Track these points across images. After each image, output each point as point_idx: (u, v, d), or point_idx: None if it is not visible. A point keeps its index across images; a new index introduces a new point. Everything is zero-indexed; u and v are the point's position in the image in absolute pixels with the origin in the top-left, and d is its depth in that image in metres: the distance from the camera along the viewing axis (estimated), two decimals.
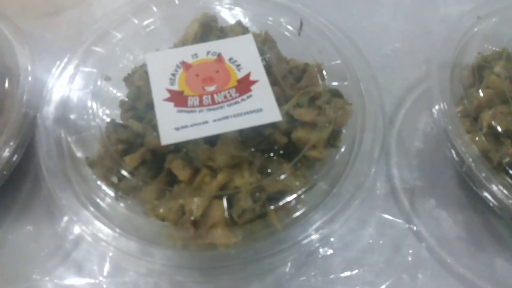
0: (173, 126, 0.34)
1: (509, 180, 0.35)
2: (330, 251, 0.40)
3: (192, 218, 0.33)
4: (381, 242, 0.41)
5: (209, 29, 0.44)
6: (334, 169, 0.39)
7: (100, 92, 0.41)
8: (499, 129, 0.36)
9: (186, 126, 0.34)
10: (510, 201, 0.33)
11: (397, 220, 0.42)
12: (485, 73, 0.40)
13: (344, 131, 0.40)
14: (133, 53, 0.41)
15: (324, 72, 0.41)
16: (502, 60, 0.40)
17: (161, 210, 0.35)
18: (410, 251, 0.41)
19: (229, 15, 0.45)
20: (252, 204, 0.35)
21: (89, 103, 0.40)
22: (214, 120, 0.34)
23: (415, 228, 0.41)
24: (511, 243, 0.40)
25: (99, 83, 0.41)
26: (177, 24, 0.43)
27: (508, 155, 0.36)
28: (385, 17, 0.57)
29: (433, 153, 0.45)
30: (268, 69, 0.42)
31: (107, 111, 0.41)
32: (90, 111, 0.40)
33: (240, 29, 0.44)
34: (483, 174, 0.35)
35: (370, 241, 0.41)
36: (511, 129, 0.36)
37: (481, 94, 0.38)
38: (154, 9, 0.45)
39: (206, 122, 0.34)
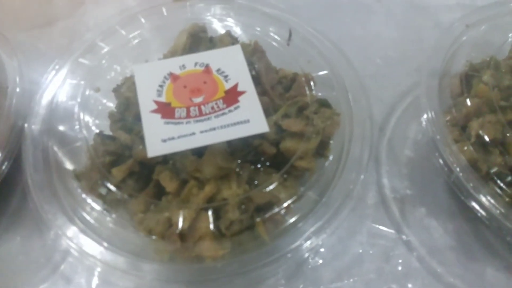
0: (160, 138, 0.34)
1: (497, 190, 0.35)
2: (320, 261, 0.40)
3: (177, 231, 0.33)
4: (371, 252, 0.41)
5: (199, 39, 0.44)
6: (323, 179, 0.39)
7: (88, 104, 0.41)
8: (487, 138, 0.36)
9: (173, 138, 0.34)
10: (498, 211, 0.33)
11: (387, 229, 0.42)
12: (473, 82, 0.40)
13: (331, 141, 0.40)
14: (121, 65, 0.41)
15: (312, 82, 0.41)
16: (490, 69, 0.40)
17: (148, 223, 0.35)
18: (400, 261, 0.40)
19: (219, 26, 0.45)
20: (239, 216, 0.35)
21: (76, 115, 0.40)
22: (201, 132, 0.34)
23: (405, 237, 0.41)
24: (501, 252, 0.40)
25: (87, 93, 0.41)
26: (167, 35, 0.43)
27: (496, 164, 0.36)
28: (377, 25, 0.57)
29: (423, 161, 0.45)
30: (258, 79, 0.42)
31: (97, 122, 0.41)
32: (77, 122, 0.40)
33: (229, 39, 0.44)
34: (471, 184, 0.34)
35: (360, 251, 0.41)
36: (498, 138, 0.36)
37: (469, 103, 0.38)
38: (143, 20, 0.45)
39: (193, 133, 0.34)
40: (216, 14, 0.45)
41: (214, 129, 0.35)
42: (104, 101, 0.42)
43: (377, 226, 0.42)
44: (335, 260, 0.40)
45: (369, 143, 0.36)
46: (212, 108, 0.36)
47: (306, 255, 0.40)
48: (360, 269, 0.40)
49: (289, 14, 0.44)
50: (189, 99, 0.36)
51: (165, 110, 0.36)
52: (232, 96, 0.36)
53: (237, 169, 0.36)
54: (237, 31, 0.44)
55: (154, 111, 0.36)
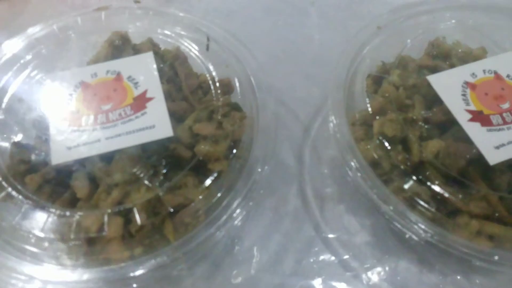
0: (66, 146, 0.35)
1: (397, 188, 0.36)
2: (239, 258, 0.41)
3: (83, 236, 0.34)
4: (289, 249, 0.42)
5: (121, 47, 0.45)
6: (235, 179, 0.40)
7: (12, 113, 0.42)
8: (387, 135, 0.37)
9: (78, 145, 0.35)
10: (392, 208, 0.34)
11: (307, 226, 0.43)
12: (383, 82, 0.42)
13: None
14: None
15: (228, 87, 0.42)
16: (398, 69, 0.42)
17: (61, 229, 0.36)
18: (318, 258, 0.41)
19: (141, 33, 0.46)
20: (147, 219, 0.36)
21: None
22: (107, 138, 0.35)
23: (324, 234, 0.43)
24: (414, 246, 0.41)
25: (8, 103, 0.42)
26: (89, 43, 0.44)
27: (397, 161, 0.37)
28: (310, 28, 0.59)
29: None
30: (178, 85, 0.43)
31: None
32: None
33: (151, 46, 0.45)
34: (369, 183, 0.36)
35: (278, 248, 0.42)
36: (399, 136, 0.37)
37: (374, 102, 0.39)
38: (71, 34, 0.46)
39: (98, 140, 0.35)
40: (138, 22, 0.46)
41: (119, 135, 0.36)
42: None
43: (297, 223, 0.43)
44: (253, 260, 0.41)
45: (273, 145, 0.37)
46: (120, 114, 0.37)
47: (222, 252, 0.41)
48: (280, 266, 0.41)
49: (208, 22, 0.45)
50: (98, 106, 0.37)
51: (72, 118, 0.37)
52: (140, 103, 0.37)
53: (149, 173, 0.37)
54: (159, 38, 0.45)
55: (63, 118, 0.37)
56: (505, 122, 0.37)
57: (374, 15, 0.50)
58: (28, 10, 0.55)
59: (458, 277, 0.41)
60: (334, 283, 0.40)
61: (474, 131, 0.36)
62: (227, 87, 0.44)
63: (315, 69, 0.54)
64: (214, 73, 0.43)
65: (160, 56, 0.45)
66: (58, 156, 0.34)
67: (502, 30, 0.43)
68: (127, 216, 0.36)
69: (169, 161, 0.39)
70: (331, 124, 0.38)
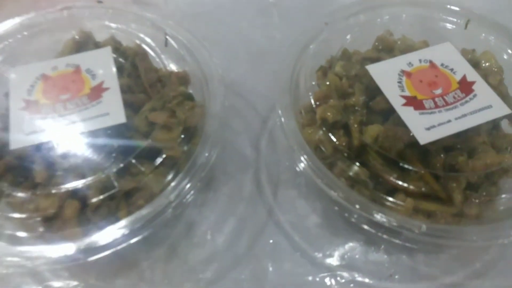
0: (24, 132, 0.37)
1: (339, 172, 0.39)
2: (195, 240, 0.43)
3: (39, 218, 0.36)
4: (244, 232, 0.44)
5: (85, 44, 0.48)
6: (192, 165, 0.42)
7: None
8: (329, 120, 0.40)
9: (36, 132, 0.37)
10: (340, 194, 0.37)
11: (260, 211, 0.45)
12: (328, 73, 0.44)
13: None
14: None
15: (183, 79, 0.45)
16: (342, 60, 0.44)
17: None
18: (270, 241, 0.44)
19: (105, 31, 0.48)
20: (101, 202, 0.38)
21: None
22: (63, 125, 0.38)
23: (275, 218, 0.45)
24: (362, 228, 0.43)
25: None
26: (53, 41, 0.47)
27: (339, 145, 0.40)
28: (271, 28, 0.61)
29: None
30: (139, 79, 0.46)
31: None
32: None
33: (113, 43, 0.48)
34: (312, 166, 0.38)
35: (232, 231, 0.44)
36: (339, 120, 0.40)
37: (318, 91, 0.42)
38: (36, 31, 0.48)
39: (55, 127, 0.38)
40: (101, 20, 0.48)
41: (74, 122, 0.38)
42: None
43: (250, 208, 0.45)
44: (208, 243, 0.43)
45: (216, 131, 0.39)
46: (76, 103, 0.39)
47: (179, 236, 0.43)
48: (234, 248, 0.43)
49: (167, 20, 0.48)
50: (57, 96, 0.40)
51: (32, 107, 0.39)
52: (96, 93, 0.40)
53: (105, 159, 0.40)
54: (121, 35, 0.48)
55: (22, 108, 0.39)
56: (436, 106, 0.39)
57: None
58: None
59: (403, 256, 0.43)
60: (285, 264, 0.43)
61: (408, 115, 0.39)
62: (183, 79, 0.46)
63: (275, 66, 0.57)
64: (171, 67, 0.46)
65: (121, 52, 0.48)
66: (17, 142, 0.37)
67: (439, 22, 0.46)
68: (83, 199, 0.39)
69: (125, 148, 0.41)
70: (280, 116, 0.41)
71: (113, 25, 0.49)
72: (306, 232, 0.44)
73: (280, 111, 0.42)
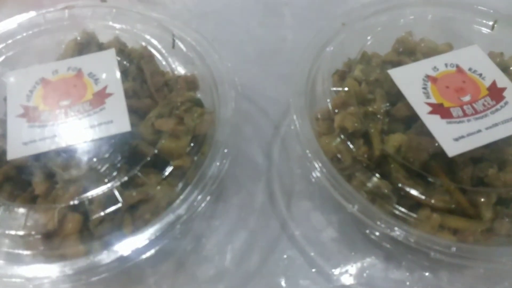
0: (22, 141, 0.35)
1: (358, 182, 0.36)
2: (203, 254, 0.41)
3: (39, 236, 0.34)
4: (255, 246, 0.42)
5: (88, 46, 0.45)
6: (202, 177, 0.40)
7: None
8: (348, 129, 0.37)
9: (34, 141, 0.35)
10: (356, 207, 0.34)
11: (273, 223, 0.43)
12: (346, 77, 0.42)
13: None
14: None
15: (193, 84, 0.42)
16: (361, 64, 0.42)
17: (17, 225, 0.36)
18: (284, 256, 0.41)
19: (109, 32, 0.46)
20: (104, 216, 0.35)
21: None
22: (63, 133, 0.35)
23: (289, 231, 0.42)
24: (380, 242, 0.41)
25: None
26: (54, 42, 0.45)
27: (359, 155, 0.37)
28: (283, 29, 0.59)
29: None
30: (145, 83, 0.43)
31: None
32: None
33: (117, 45, 0.46)
34: (330, 179, 0.35)
35: (243, 246, 0.41)
36: (359, 129, 0.37)
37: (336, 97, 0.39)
38: (37, 31, 0.46)
39: (55, 135, 0.35)
40: (105, 20, 0.46)
41: (76, 130, 0.35)
42: None
43: (263, 220, 0.43)
44: (216, 256, 0.41)
45: (233, 140, 0.37)
46: (78, 110, 0.37)
47: (187, 250, 0.40)
48: (245, 263, 0.40)
49: (175, 21, 0.45)
50: (57, 102, 0.37)
51: (31, 114, 0.36)
52: (99, 99, 0.37)
53: (109, 169, 0.37)
54: (126, 36, 0.46)
55: (21, 115, 0.37)
56: (465, 115, 0.37)
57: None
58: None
59: (426, 274, 0.40)
60: (299, 281, 0.40)
61: (434, 124, 0.36)
62: (192, 83, 0.44)
63: (287, 68, 0.54)
64: (179, 71, 0.43)
65: (126, 54, 0.45)
66: (14, 152, 0.34)
67: (464, 24, 0.43)
68: (85, 212, 0.36)
69: (130, 158, 0.39)
70: (294, 121, 0.38)
71: (117, 25, 0.46)
72: (321, 247, 0.41)
73: (295, 116, 0.39)
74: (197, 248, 0.41)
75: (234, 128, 0.37)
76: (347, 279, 0.40)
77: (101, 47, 0.45)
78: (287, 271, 0.40)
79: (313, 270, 0.40)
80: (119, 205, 0.36)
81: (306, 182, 0.45)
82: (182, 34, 0.45)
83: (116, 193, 0.36)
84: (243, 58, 0.55)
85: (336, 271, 0.40)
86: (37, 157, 0.36)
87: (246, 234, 0.42)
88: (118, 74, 0.39)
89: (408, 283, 0.40)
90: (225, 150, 0.37)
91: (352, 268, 0.40)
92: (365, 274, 0.40)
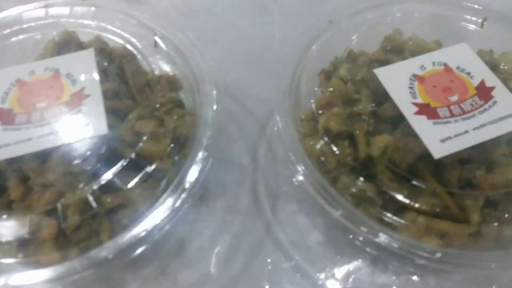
0: None
1: (343, 187, 0.35)
2: (184, 259, 0.40)
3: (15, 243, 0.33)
4: (240, 250, 0.41)
5: (67, 45, 0.44)
6: (183, 180, 0.39)
7: None
8: (332, 130, 0.36)
9: (8, 145, 0.34)
10: (339, 212, 0.33)
11: (257, 227, 0.42)
12: (332, 77, 0.41)
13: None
14: None
15: (174, 84, 0.41)
16: (347, 63, 0.40)
17: None
18: (268, 260, 0.40)
19: (89, 32, 0.45)
20: (81, 221, 0.34)
21: None
22: (39, 137, 0.34)
23: (274, 234, 0.41)
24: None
25: None
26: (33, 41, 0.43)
27: (344, 157, 0.36)
28: (271, 26, 0.58)
29: None
30: (126, 83, 0.42)
31: None
32: None
33: (98, 44, 0.44)
34: (315, 184, 0.34)
35: (227, 250, 0.40)
36: (344, 130, 0.36)
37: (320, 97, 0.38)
38: (15, 29, 0.45)
39: (30, 139, 0.34)
40: (86, 19, 0.45)
41: (52, 133, 0.34)
42: None
43: (247, 223, 0.42)
44: (199, 261, 0.40)
45: (205, 141, 0.36)
46: (55, 112, 0.36)
47: (170, 255, 0.39)
48: (227, 269, 0.39)
49: (158, 19, 0.44)
50: (33, 104, 0.36)
51: (6, 117, 0.35)
52: (76, 100, 0.36)
53: (86, 173, 0.36)
54: (107, 36, 0.44)
55: None
56: (452, 115, 0.36)
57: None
58: None
59: (412, 278, 0.39)
60: (284, 286, 0.39)
61: (420, 124, 0.35)
62: (174, 84, 0.42)
63: (275, 67, 0.53)
64: (161, 70, 0.42)
65: (107, 54, 0.44)
66: None
67: (453, 21, 0.42)
68: (62, 217, 0.35)
69: (109, 161, 0.38)
70: (277, 122, 0.37)
71: (97, 24, 0.45)
72: (307, 250, 0.40)
73: (278, 117, 0.38)
74: (180, 253, 0.40)
75: (217, 129, 0.36)
76: (332, 284, 0.39)
77: (81, 46, 0.44)
78: (272, 275, 0.39)
79: (298, 274, 0.39)
80: (96, 210, 0.35)
81: (292, 184, 0.43)
82: (164, 33, 0.44)
83: (91, 198, 0.35)
84: (230, 56, 0.54)
85: (322, 276, 0.39)
86: (12, 161, 0.35)
87: (230, 238, 0.41)
88: (96, 75, 0.38)
89: (394, 287, 0.39)
90: (206, 152, 0.36)
91: (338, 272, 0.39)
92: (351, 279, 0.39)
